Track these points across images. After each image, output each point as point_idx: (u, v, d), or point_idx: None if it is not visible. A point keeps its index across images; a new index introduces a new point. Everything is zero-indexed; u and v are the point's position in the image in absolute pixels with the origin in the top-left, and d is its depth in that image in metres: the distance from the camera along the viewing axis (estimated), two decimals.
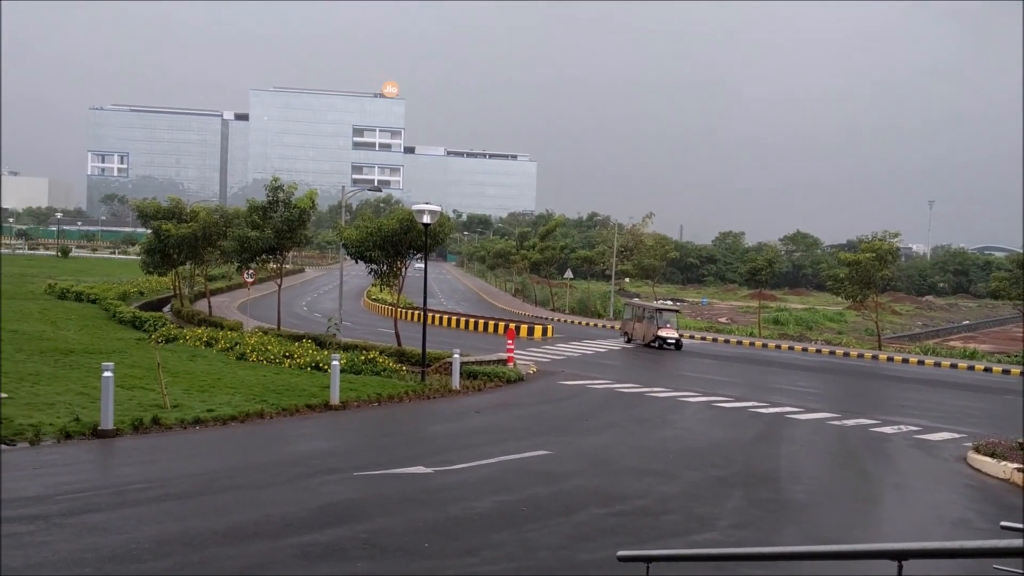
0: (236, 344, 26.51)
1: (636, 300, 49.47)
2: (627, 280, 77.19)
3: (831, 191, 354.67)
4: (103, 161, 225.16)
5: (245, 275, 35.63)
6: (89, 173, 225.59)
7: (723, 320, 58.47)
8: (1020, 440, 16.81)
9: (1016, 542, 3.05)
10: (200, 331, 29.48)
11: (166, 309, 44.43)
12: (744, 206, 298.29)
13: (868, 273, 40.88)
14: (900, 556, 3.45)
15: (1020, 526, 5.83)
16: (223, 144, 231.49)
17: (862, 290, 42.33)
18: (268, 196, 31.41)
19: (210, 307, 39.82)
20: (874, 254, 40.73)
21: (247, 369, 22.96)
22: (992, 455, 15.76)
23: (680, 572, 8.73)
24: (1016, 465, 14.89)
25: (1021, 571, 5.83)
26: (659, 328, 35.95)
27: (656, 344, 35.61)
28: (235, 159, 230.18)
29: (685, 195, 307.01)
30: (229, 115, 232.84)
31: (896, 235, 43.51)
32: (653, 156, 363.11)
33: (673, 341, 35.60)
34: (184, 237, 34.90)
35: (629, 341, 38.40)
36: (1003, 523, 5.94)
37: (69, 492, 10.86)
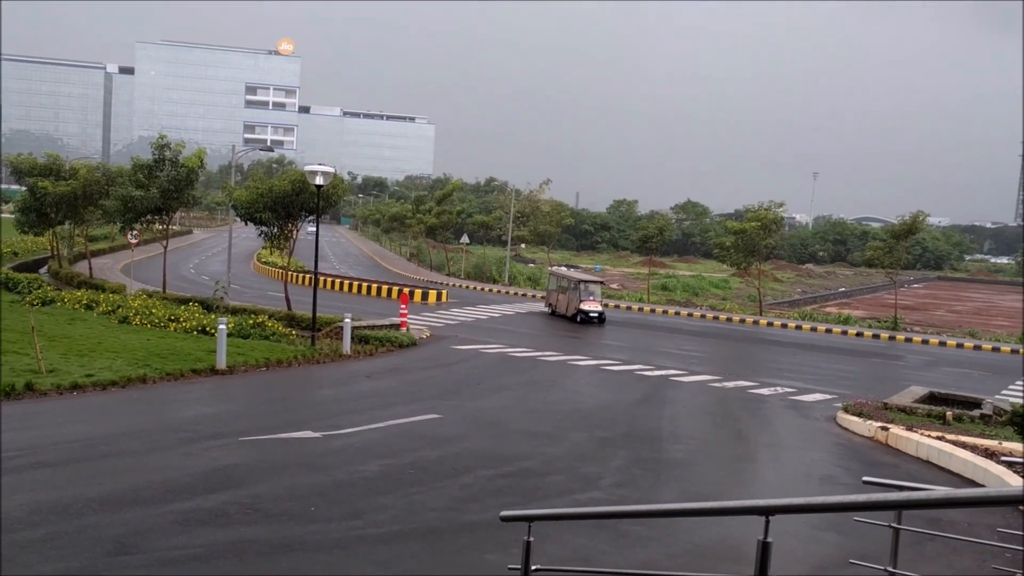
0: (119, 307, 25.58)
1: (561, 270, 45.55)
2: (523, 246, 77.66)
3: (722, 162, 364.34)
4: None
5: (129, 236, 34.24)
6: None
7: (615, 286, 59.53)
8: (884, 401, 17.85)
9: (873, 496, 3.27)
10: (80, 294, 28.32)
11: (43, 271, 42.44)
12: (639, 175, 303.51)
13: (753, 242, 42.22)
14: (767, 512, 3.61)
15: (880, 481, 6.25)
16: (106, 99, 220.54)
17: (746, 258, 43.74)
18: (154, 154, 30.22)
19: (91, 269, 38.18)
20: (759, 223, 42.06)
21: (130, 333, 22.21)
22: (859, 415, 16.69)
23: (557, 527, 8.98)
24: (880, 424, 15.82)
25: (880, 523, 6.26)
26: (581, 301, 34.13)
27: (578, 318, 33.93)
28: (119, 115, 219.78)
29: (582, 163, 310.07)
30: (113, 68, 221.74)
31: (781, 205, 44.95)
32: (553, 123, 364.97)
33: (596, 315, 33.94)
34: (63, 195, 33.26)
35: (553, 312, 36.94)
36: (865, 478, 6.36)
37: None
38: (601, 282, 38.49)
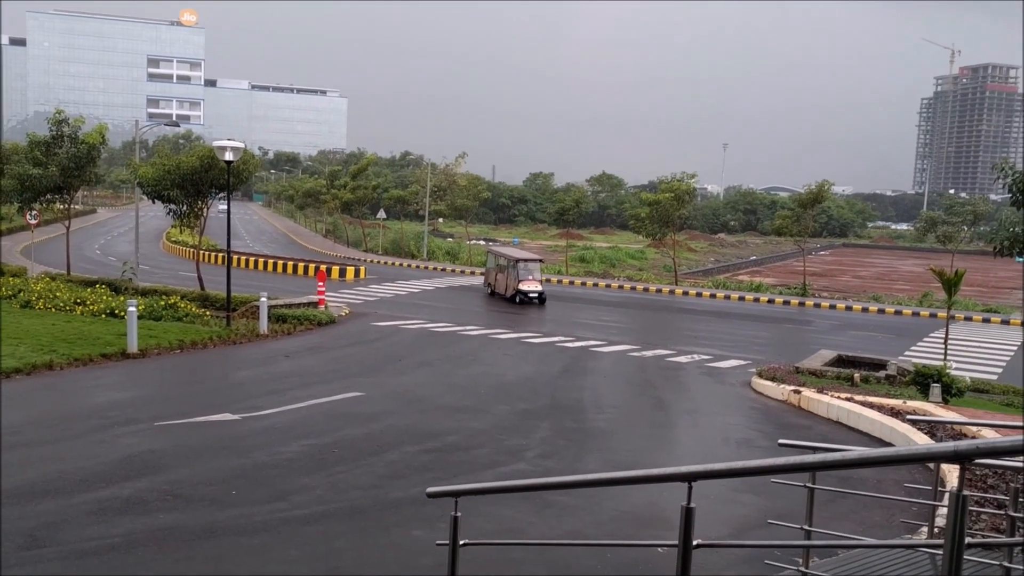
0: (20, 291, 24.48)
1: (498, 247, 43.91)
2: (441, 221, 77.25)
3: (636, 134, 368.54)
4: None
5: (28, 216, 32.76)
6: None
7: None
8: (796, 365, 18.42)
9: (790, 459, 3.35)
10: None
11: None
12: (554, 148, 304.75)
13: (667, 212, 42.93)
14: (690, 478, 3.69)
15: (796, 443, 6.44)
16: None
17: (661, 229, 44.46)
18: (51, 131, 28.89)
19: None
20: (673, 194, 42.76)
21: (33, 318, 21.30)
22: (772, 379, 17.19)
23: (484, 500, 9.02)
24: (792, 387, 16.33)
25: (795, 483, 6.47)
26: (520, 280, 31.78)
27: (517, 299, 31.64)
28: (12, 89, 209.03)
29: (498, 136, 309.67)
30: (4, 39, 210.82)
31: (693, 176, 45.72)
32: (468, 95, 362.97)
33: (536, 295, 31.66)
34: None
35: (492, 293, 34.58)
36: (780, 441, 6.55)
37: None
38: (540, 260, 35.21)
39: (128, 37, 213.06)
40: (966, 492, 2.70)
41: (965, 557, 2.60)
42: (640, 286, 43.02)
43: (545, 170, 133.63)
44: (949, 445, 2.73)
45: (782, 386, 16.62)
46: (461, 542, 4.87)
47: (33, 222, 33.18)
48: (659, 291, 41.46)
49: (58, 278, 28.15)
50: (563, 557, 7.91)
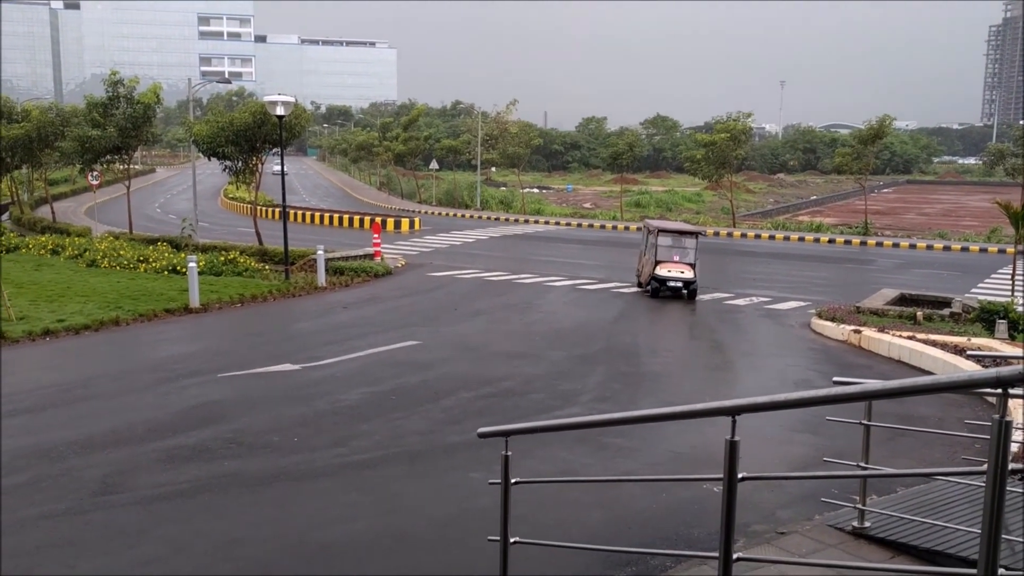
0: (85, 251, 25.21)
1: (653, 220, 28.19)
2: (493, 169, 77.01)
3: (690, 75, 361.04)
4: None
5: (89, 177, 33.51)
6: None
7: (587, 205, 59.44)
8: (857, 304, 18.09)
9: (835, 390, 3.30)
10: (44, 239, 27.84)
11: (3, 217, 41.52)
12: (607, 92, 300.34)
13: (723, 153, 42.10)
14: (734, 412, 3.67)
15: (850, 380, 6.34)
16: (54, 36, 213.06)
17: (718, 170, 43.64)
18: (108, 92, 29.36)
19: (53, 213, 37.54)
20: (729, 135, 41.87)
21: (99, 276, 21.94)
22: (832, 319, 16.92)
23: (539, 444, 9.11)
24: (852, 327, 16.06)
25: (850, 420, 6.39)
26: (659, 262, 21.40)
27: (650, 289, 21.41)
28: (69, 52, 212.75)
29: (549, 81, 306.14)
30: (58, 4, 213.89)
31: (749, 115, 44.68)
32: (517, 41, 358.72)
33: (681, 284, 21.10)
34: (16, 139, 32.37)
35: (640, 285, 22.81)
36: (835, 379, 6.45)
37: None
38: (695, 233, 22.56)
39: None
40: (1008, 419, 2.64)
41: (1008, 488, 2.55)
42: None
43: (598, 114, 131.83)
44: (991, 371, 2.66)
45: (842, 326, 16.36)
46: (512, 480, 4.93)
47: (95, 183, 33.94)
48: (716, 234, 40.89)
49: (121, 237, 28.88)
50: (617, 497, 7.97)
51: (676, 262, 21.45)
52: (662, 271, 21.24)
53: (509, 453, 4.92)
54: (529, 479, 5.32)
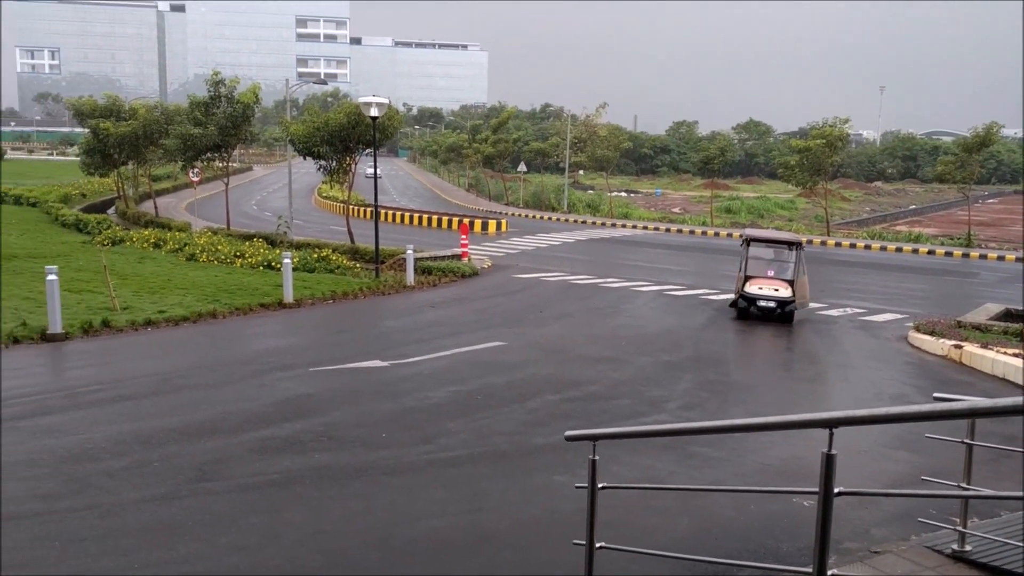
0: (185, 245, 26.13)
1: (754, 230, 23.63)
2: (581, 173, 76.83)
3: (785, 79, 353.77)
4: (32, 57, 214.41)
5: (191, 174, 34.84)
6: (19, 71, 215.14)
7: (676, 210, 58.78)
8: (958, 319, 17.41)
9: (937, 406, 3.17)
10: (147, 233, 28.95)
11: (110, 211, 43.42)
12: (698, 95, 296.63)
13: (818, 160, 41.09)
14: (831, 424, 3.58)
15: (951, 396, 6.10)
16: (160, 38, 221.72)
17: (812, 177, 42.63)
18: (210, 91, 30.45)
19: (156, 208, 39.00)
20: (824, 141, 40.84)
21: (197, 270, 22.71)
22: (931, 333, 16.32)
23: (626, 449, 9.04)
24: (953, 342, 15.46)
25: (951, 439, 6.14)
26: (748, 277, 18.94)
27: (738, 306, 18.95)
28: (173, 54, 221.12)
29: (639, 85, 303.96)
30: (164, 6, 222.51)
31: (846, 121, 43.49)
32: (608, 45, 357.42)
33: (774, 304, 18.33)
34: (124, 136, 33.81)
35: (734, 303, 19.34)
36: (935, 395, 6.21)
37: (21, 396, 10.81)
38: (795, 244, 19.51)
39: None
40: None
41: None
42: None
43: (689, 118, 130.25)
44: None
45: (942, 340, 15.77)
46: (599, 485, 4.90)
47: (195, 180, 35.23)
48: (809, 242, 39.88)
49: (219, 232, 29.83)
50: (704, 507, 7.85)
51: (770, 278, 18.78)
52: (752, 288, 18.55)
53: (596, 457, 4.89)
54: (616, 484, 5.28)
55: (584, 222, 47.94)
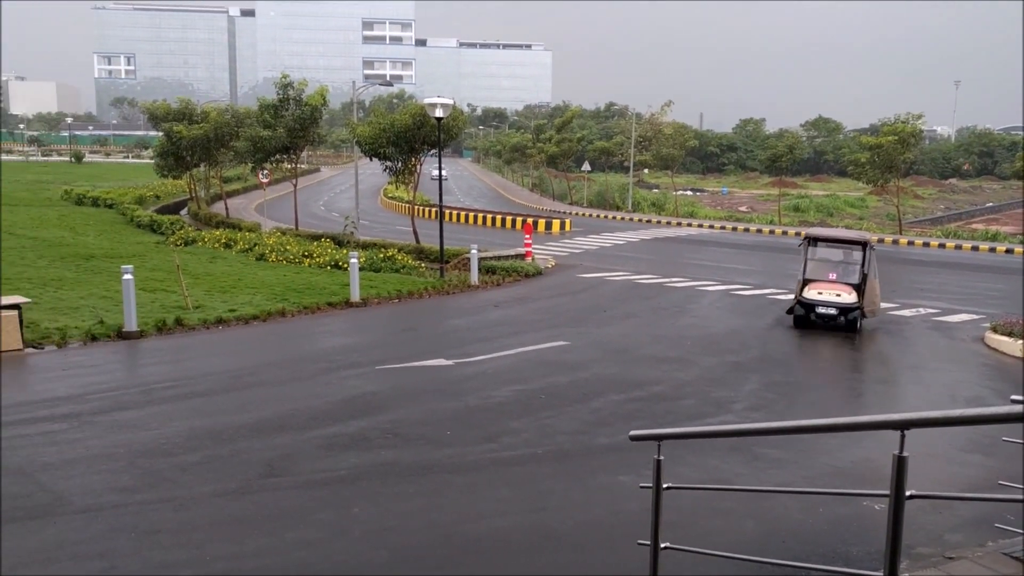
0: (255, 245, 26.68)
1: (818, 229, 20.70)
2: (646, 171, 76.31)
3: (855, 74, 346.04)
4: (110, 63, 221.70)
5: (260, 176, 35.51)
6: (96, 76, 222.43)
7: (743, 209, 57.97)
8: None
9: (1015, 408, 3.07)
10: (218, 233, 29.63)
11: (183, 212, 44.56)
12: (766, 92, 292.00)
13: (890, 157, 40.10)
14: (903, 426, 3.49)
15: None
16: (230, 42, 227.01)
17: (884, 174, 41.62)
18: (279, 94, 31.02)
19: (227, 209, 39.92)
20: (896, 137, 39.84)
21: (267, 269, 23.18)
22: (1009, 334, 15.81)
23: (691, 450, 8.95)
24: None
25: None
26: (807, 281, 17.42)
27: (795, 314, 17.37)
28: (243, 58, 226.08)
29: (706, 81, 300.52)
30: (235, 11, 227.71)
31: (919, 117, 42.40)
32: (673, 41, 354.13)
33: (834, 311, 16.85)
34: (196, 138, 34.72)
35: (791, 309, 17.59)
36: (1013, 397, 5.99)
37: (98, 392, 11.17)
38: (861, 243, 17.68)
39: (344, 1, 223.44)
40: None
41: None
42: None
43: (756, 116, 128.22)
44: None
45: (1020, 342, 15.26)
46: (664, 485, 4.86)
47: (265, 181, 35.90)
48: (881, 241, 38.96)
49: (287, 232, 30.40)
50: (772, 509, 7.73)
51: (832, 282, 17.19)
52: (811, 293, 16.95)
53: (661, 458, 4.86)
54: (681, 485, 5.24)
55: (649, 221, 47.60)
